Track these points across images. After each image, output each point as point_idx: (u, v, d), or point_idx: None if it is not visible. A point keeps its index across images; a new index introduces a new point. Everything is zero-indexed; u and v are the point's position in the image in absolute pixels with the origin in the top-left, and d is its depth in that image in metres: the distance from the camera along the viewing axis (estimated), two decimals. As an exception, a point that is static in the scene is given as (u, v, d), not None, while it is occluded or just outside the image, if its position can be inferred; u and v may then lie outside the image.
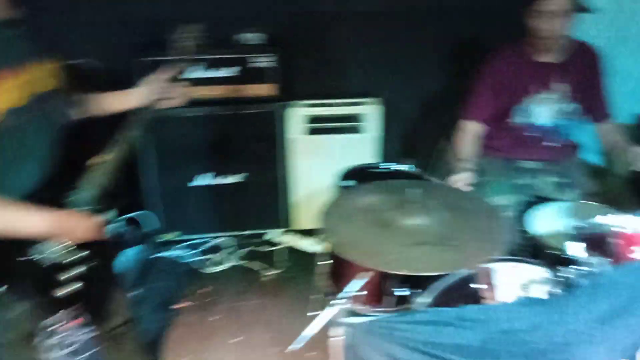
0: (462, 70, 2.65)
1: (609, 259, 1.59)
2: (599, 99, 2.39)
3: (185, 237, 3.14)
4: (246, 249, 3.13)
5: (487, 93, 2.39)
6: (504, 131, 2.45)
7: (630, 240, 1.58)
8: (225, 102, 2.96)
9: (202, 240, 3.16)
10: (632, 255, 1.56)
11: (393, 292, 1.72)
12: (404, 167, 2.51)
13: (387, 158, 3.36)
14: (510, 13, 2.30)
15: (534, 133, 2.41)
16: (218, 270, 2.99)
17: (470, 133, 2.41)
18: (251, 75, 2.92)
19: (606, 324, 1.42)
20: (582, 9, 2.23)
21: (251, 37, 2.94)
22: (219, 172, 3.07)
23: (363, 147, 3.10)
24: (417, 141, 3.51)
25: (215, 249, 3.12)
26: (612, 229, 1.59)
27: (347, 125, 3.11)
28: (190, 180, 3.04)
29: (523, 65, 2.34)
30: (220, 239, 3.18)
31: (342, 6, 3.15)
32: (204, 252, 3.09)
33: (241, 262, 3.04)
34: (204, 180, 3.05)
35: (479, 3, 3.13)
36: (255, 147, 3.06)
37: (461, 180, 2.12)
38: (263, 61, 2.90)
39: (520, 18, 2.27)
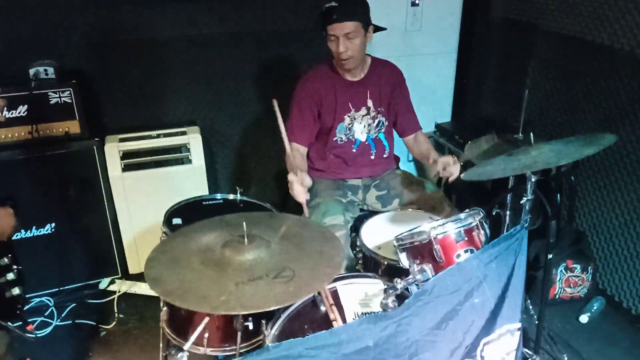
0: (280, 91, 2.67)
1: (435, 265, 1.69)
2: (405, 113, 2.55)
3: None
4: (75, 304, 2.80)
5: (306, 116, 2.42)
6: (329, 150, 2.50)
7: (452, 244, 1.69)
8: (25, 144, 2.64)
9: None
10: (456, 259, 1.68)
11: (242, 327, 1.64)
12: (232, 197, 2.43)
13: (216, 188, 3.29)
14: (318, 36, 2.38)
15: (356, 150, 2.50)
16: (46, 333, 2.62)
17: (298, 152, 2.42)
18: (50, 113, 2.66)
19: (441, 329, 1.50)
20: (378, 28, 2.38)
21: (43, 70, 2.66)
22: (30, 224, 2.74)
23: (189, 179, 2.96)
24: (246, 166, 3.48)
25: (38, 310, 2.75)
26: (435, 235, 1.69)
27: (169, 157, 2.95)
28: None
29: (337, 84, 2.43)
30: (43, 297, 2.82)
31: (151, 33, 3.01)
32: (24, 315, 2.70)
33: (73, 320, 2.70)
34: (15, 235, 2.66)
35: (292, 26, 3.20)
36: (69, 191, 2.78)
37: (297, 181, 2.08)
38: (59, 96, 2.65)
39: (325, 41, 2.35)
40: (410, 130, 2.57)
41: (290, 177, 2.10)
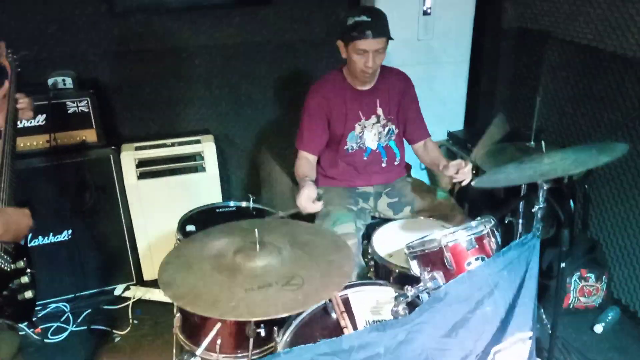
0: (293, 100, 2.71)
1: (446, 273, 1.69)
2: (414, 120, 2.56)
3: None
4: (91, 310, 2.85)
5: (316, 124, 2.44)
6: (340, 158, 2.52)
7: (462, 252, 1.70)
8: (43, 153, 2.71)
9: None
10: (467, 267, 1.68)
11: (254, 334, 1.65)
12: (245, 204, 2.46)
13: (230, 195, 3.32)
14: (331, 45, 2.40)
15: (367, 158, 2.51)
16: (62, 338, 2.66)
17: (307, 161, 2.44)
18: (68, 122, 2.72)
19: (452, 336, 1.50)
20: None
21: (61, 80, 2.73)
22: (47, 230, 2.79)
23: (204, 187, 2.99)
24: (259, 174, 3.51)
25: (54, 316, 2.80)
26: (446, 243, 1.70)
27: (183, 165, 2.99)
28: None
29: (347, 93, 2.44)
30: (59, 303, 2.87)
31: (166, 43, 3.06)
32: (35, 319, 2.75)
33: (88, 326, 2.74)
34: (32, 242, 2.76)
35: (305, 37, 3.24)
36: (86, 199, 2.83)
37: (306, 196, 2.09)
38: (76, 106, 2.72)
39: (337, 51, 2.36)
40: (419, 138, 2.57)
41: (298, 199, 2.10)
